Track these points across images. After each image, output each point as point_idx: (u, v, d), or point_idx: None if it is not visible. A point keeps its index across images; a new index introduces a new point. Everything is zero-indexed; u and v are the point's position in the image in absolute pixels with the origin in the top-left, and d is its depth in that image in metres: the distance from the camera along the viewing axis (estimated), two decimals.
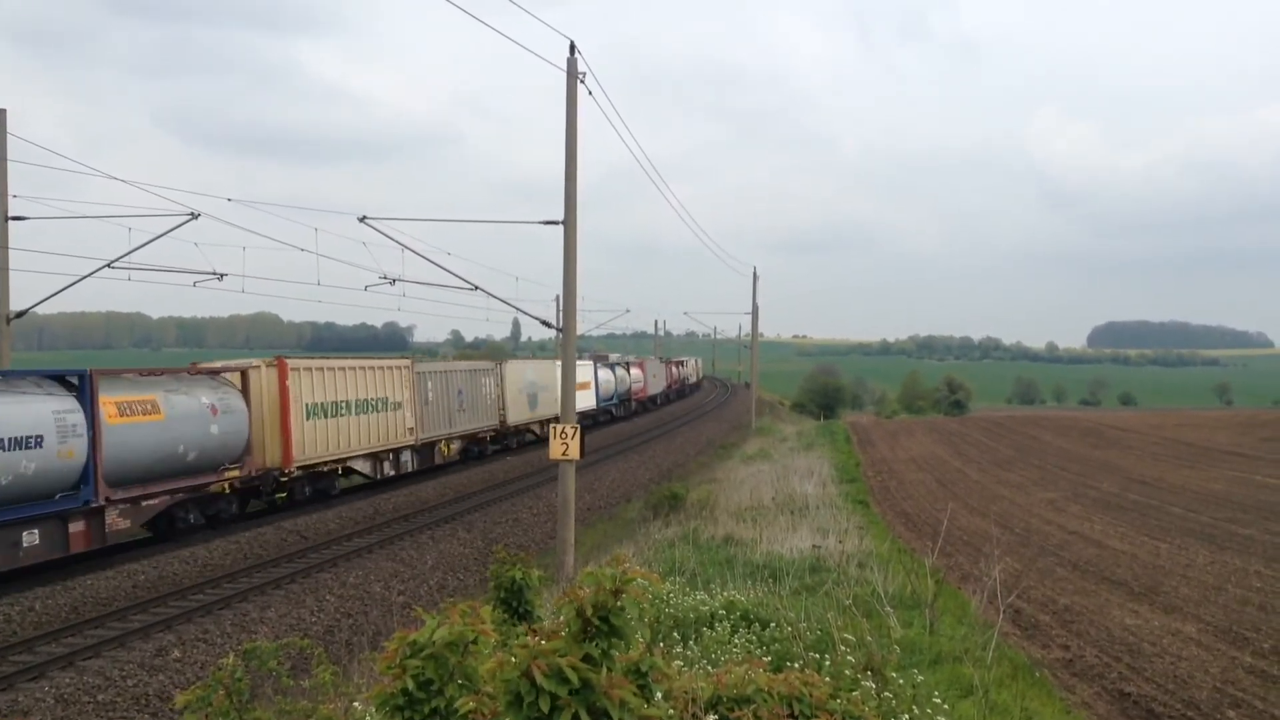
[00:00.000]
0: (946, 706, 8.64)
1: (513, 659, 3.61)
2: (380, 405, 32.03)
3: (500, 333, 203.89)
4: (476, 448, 42.24)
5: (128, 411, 21.42)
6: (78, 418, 19.81)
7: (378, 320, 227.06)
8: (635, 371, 72.98)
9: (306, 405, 27.81)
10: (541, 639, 3.83)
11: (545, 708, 3.42)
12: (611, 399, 64.06)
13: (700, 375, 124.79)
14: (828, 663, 9.56)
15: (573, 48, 20.02)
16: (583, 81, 20.13)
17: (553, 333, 27.81)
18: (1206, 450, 45.55)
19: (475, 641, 3.65)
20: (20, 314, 24.77)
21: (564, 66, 20.13)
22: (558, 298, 33.21)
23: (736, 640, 11.32)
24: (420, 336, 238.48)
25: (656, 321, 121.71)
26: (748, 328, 77.13)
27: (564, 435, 20.50)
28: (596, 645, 3.76)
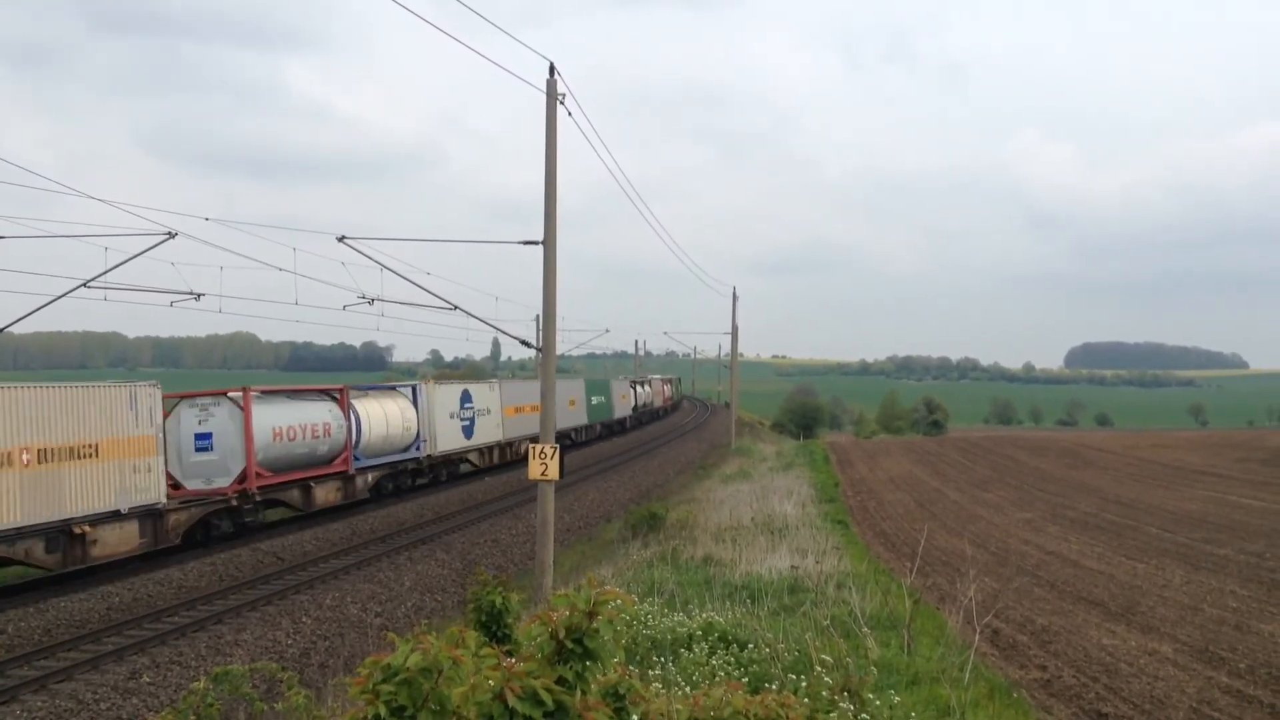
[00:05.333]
0: None
1: (487, 682, 3.59)
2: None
3: (480, 352, 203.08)
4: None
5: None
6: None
7: (356, 340, 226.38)
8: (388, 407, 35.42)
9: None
10: (516, 661, 3.81)
11: None
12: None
13: (664, 399, 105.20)
14: (805, 684, 9.56)
15: (552, 69, 20.07)
16: (563, 103, 20.17)
17: (532, 352, 27.80)
18: (1182, 471, 45.89)
19: (453, 665, 3.63)
20: None
21: (544, 88, 20.19)
22: (538, 317, 33.22)
23: (714, 661, 11.31)
24: (399, 356, 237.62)
25: (636, 341, 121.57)
26: (727, 348, 77.35)
27: (543, 455, 20.44)
28: (570, 668, 3.74)
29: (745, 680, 10.00)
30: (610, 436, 69.81)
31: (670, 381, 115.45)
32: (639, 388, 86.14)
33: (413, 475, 38.54)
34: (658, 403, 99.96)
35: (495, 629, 7.64)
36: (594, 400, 64.46)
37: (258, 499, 27.92)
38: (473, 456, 43.16)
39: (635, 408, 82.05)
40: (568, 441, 55.03)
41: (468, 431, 41.90)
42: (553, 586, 20.20)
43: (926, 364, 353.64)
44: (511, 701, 3.43)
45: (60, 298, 24.40)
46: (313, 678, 16.15)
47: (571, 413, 58.27)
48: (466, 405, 41.64)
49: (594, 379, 77.67)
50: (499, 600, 7.58)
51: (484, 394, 44.18)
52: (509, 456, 46.64)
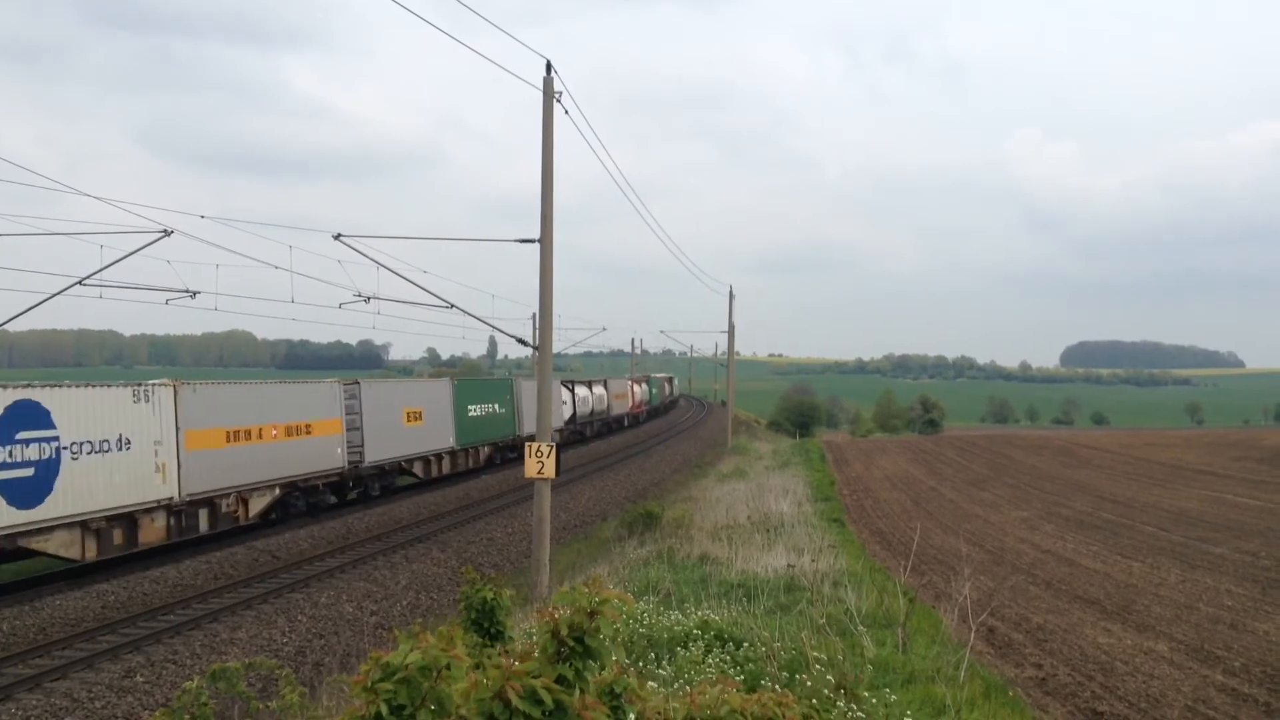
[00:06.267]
0: None
1: (486, 680, 3.59)
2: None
3: (477, 350, 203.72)
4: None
5: None
6: None
7: (352, 338, 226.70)
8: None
9: None
10: (515, 660, 3.81)
11: None
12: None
13: (633, 405, 79.98)
14: (809, 682, 9.55)
15: (549, 67, 20.07)
16: (559, 101, 20.17)
17: (529, 351, 27.80)
18: (1178, 469, 45.93)
19: (449, 666, 3.63)
20: None
21: (541, 86, 20.18)
22: (534, 315, 33.23)
23: (710, 660, 11.31)
24: (396, 354, 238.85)
25: (633, 340, 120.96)
26: (724, 346, 77.27)
27: (539, 454, 20.45)
28: (571, 666, 3.74)
29: (741, 679, 10.01)
30: (507, 464, 46.25)
31: (642, 381, 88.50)
32: (580, 390, 62.05)
33: None
34: (619, 410, 73.67)
35: (488, 626, 7.64)
36: (473, 411, 42.81)
37: None
38: (52, 544, 21.02)
39: (573, 419, 58.69)
40: (416, 478, 38.12)
41: (31, 491, 20.31)
42: (549, 584, 20.22)
43: (923, 363, 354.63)
44: (514, 701, 3.43)
45: (56, 295, 24.37)
46: (308, 676, 16.14)
47: (415, 431, 37.12)
48: (22, 437, 20.27)
49: (483, 380, 54.21)
50: (490, 597, 7.58)
51: (112, 407, 22.74)
52: (203, 524, 25.42)
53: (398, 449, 35.84)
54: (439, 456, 39.66)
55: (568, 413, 57.44)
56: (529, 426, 46.52)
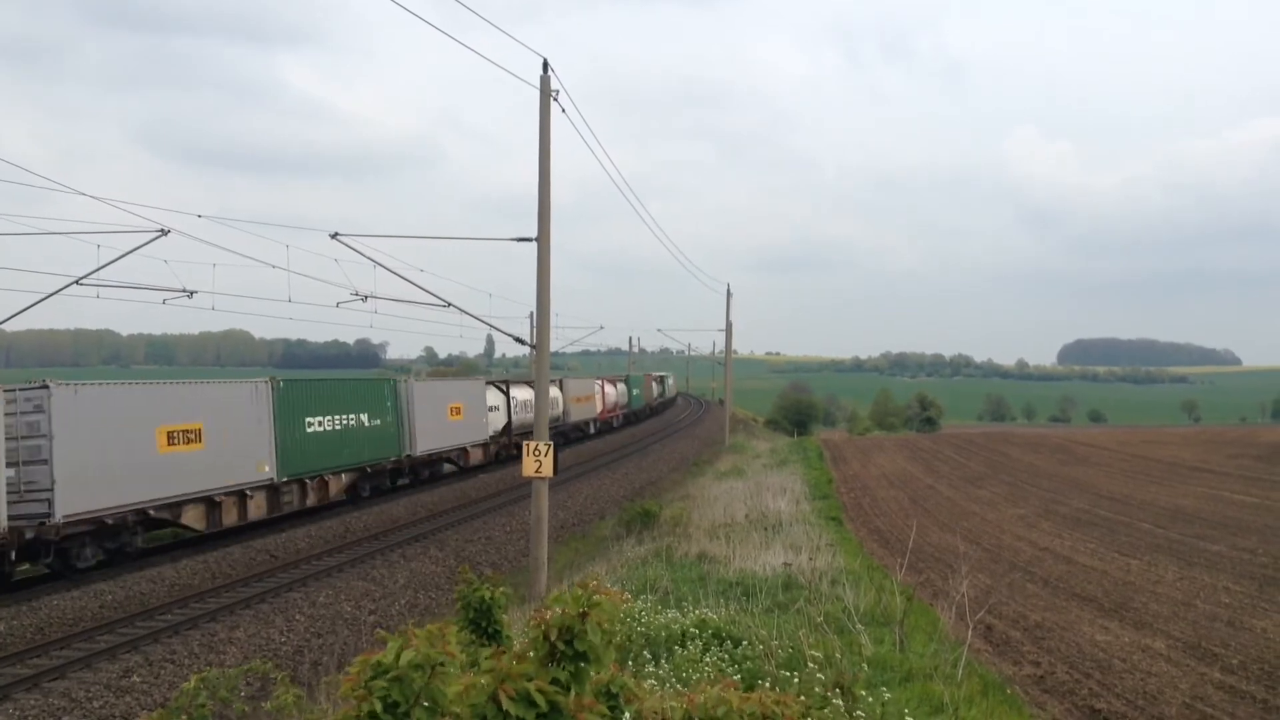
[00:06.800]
0: None
1: (480, 682, 3.58)
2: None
3: (474, 349, 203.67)
4: None
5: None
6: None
7: (349, 337, 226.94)
8: None
9: None
10: (512, 660, 3.79)
11: None
12: None
13: (603, 411, 67.86)
14: (797, 680, 9.56)
15: (545, 65, 20.06)
16: (556, 99, 20.16)
17: (526, 349, 27.79)
18: (1174, 467, 45.94)
19: (442, 664, 3.62)
20: None
21: (538, 84, 20.17)
22: (531, 314, 33.18)
23: (708, 659, 11.31)
24: (393, 353, 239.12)
25: (631, 338, 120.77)
26: (722, 345, 77.15)
27: (537, 453, 20.44)
28: (564, 668, 3.73)
29: (739, 677, 10.00)
30: (386, 495, 36.02)
31: (618, 381, 76.14)
32: (519, 393, 47.82)
33: None
34: (579, 417, 60.74)
35: (485, 625, 7.64)
36: (315, 424, 30.38)
37: None
38: None
39: (508, 429, 46.28)
40: (197, 532, 25.65)
41: None
42: (547, 583, 20.21)
43: (920, 361, 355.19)
44: (505, 704, 3.42)
45: (52, 295, 24.30)
46: (306, 675, 16.12)
47: (184, 459, 24.55)
48: None
49: (338, 381, 34.97)
50: (487, 595, 7.58)
51: None
52: None
53: (141, 489, 23.20)
54: (242, 495, 26.95)
55: (500, 421, 45.98)
56: (426, 443, 37.75)
